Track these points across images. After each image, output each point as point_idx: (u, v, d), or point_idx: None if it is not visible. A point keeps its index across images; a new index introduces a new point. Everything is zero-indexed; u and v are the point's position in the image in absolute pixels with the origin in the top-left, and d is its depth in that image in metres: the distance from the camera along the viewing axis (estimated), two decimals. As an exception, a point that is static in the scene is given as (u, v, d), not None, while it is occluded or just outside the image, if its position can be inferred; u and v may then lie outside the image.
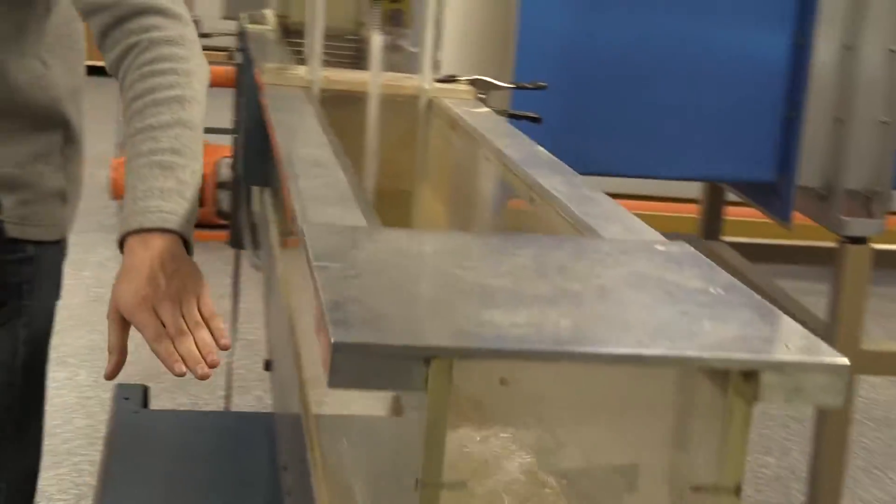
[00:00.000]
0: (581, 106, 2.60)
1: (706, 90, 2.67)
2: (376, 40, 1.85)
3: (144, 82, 1.36)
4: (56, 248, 1.62)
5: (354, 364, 0.76)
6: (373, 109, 1.80)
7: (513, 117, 2.02)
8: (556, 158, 1.47)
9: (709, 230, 3.27)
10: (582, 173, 2.91)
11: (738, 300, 0.94)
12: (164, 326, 1.21)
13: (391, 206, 1.73)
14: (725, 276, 0.99)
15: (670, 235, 3.76)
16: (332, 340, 0.76)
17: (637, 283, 0.96)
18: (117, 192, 5.26)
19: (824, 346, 0.85)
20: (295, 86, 1.87)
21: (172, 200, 1.28)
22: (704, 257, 1.04)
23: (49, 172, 1.56)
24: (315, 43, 1.88)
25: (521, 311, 0.85)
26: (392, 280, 0.90)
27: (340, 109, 1.86)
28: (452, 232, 1.04)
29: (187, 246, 1.29)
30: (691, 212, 3.55)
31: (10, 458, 1.59)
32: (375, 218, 1.18)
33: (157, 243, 1.25)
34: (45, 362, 1.66)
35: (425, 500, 0.78)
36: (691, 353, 0.81)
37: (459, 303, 0.86)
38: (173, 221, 1.27)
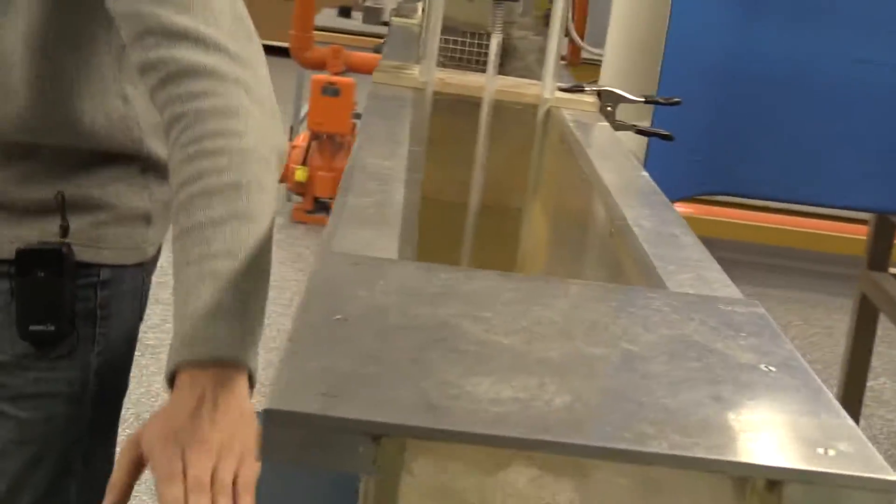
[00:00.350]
0: (734, 125, 2.43)
1: (875, 116, 2.48)
2: (495, 42, 1.73)
3: (191, 165, 1.11)
4: (137, 270, 1.47)
5: (291, 436, 0.66)
6: (482, 117, 1.68)
7: (641, 133, 1.87)
8: (657, 188, 1.33)
9: (875, 260, 3.06)
10: (729, 194, 2.73)
11: (789, 383, 0.80)
12: (184, 473, 0.99)
13: (463, 226, 1.62)
14: (786, 351, 0.85)
15: (837, 257, 3.58)
16: (266, 407, 0.65)
17: (676, 351, 0.82)
18: (288, 179, 5.24)
19: (874, 453, 0.70)
20: (407, 87, 1.77)
21: (230, 320, 1.04)
22: (772, 323, 0.90)
23: (129, 193, 1.41)
24: (431, 42, 1.77)
25: (514, 382, 0.73)
26: (380, 329, 0.78)
27: (446, 115, 1.75)
28: (487, 272, 0.92)
29: (251, 377, 1.06)
30: (863, 234, 3.33)
31: (75, 493, 1.49)
32: (416, 246, 1.07)
33: (210, 379, 1.02)
34: (122, 390, 1.52)
35: None
36: (700, 454, 0.68)
37: (446, 365, 0.74)
38: (231, 350, 1.03)
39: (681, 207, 4.98)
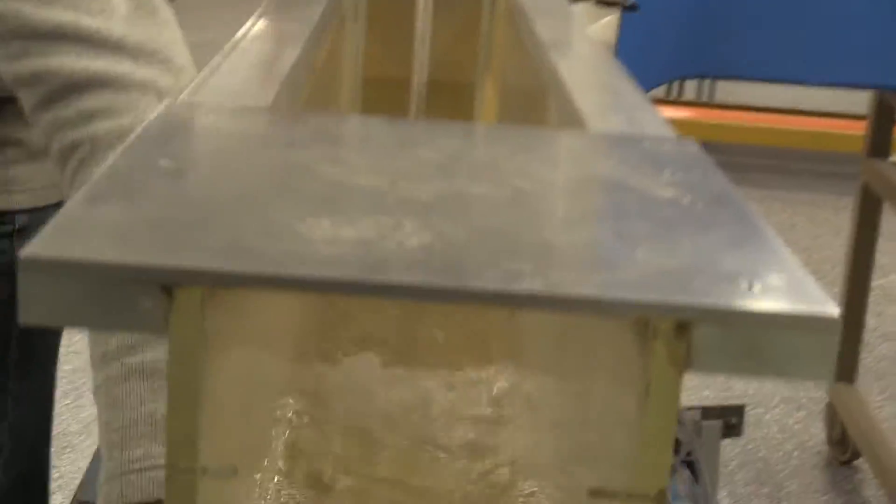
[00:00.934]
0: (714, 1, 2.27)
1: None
2: None
3: None
4: (60, 208, 1.27)
5: (57, 291, 0.51)
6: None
7: (602, 3, 1.72)
8: (598, 44, 1.18)
9: (875, 147, 2.89)
10: (712, 76, 2.56)
11: (716, 217, 0.65)
12: None
13: (409, 107, 1.47)
14: (720, 185, 0.71)
15: (843, 156, 3.43)
16: (22, 255, 0.51)
17: (580, 188, 0.68)
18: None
19: (813, 287, 0.56)
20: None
21: None
22: (708, 160, 0.76)
23: None
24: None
25: (363, 223, 0.58)
26: (212, 174, 0.64)
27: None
28: (372, 117, 0.77)
29: None
30: (861, 129, 3.17)
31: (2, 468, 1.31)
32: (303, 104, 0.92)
33: None
34: (52, 353, 1.30)
35: (174, 492, 0.53)
36: (585, 292, 0.53)
37: (279, 207, 0.60)
38: None
39: (681, 112, 4.83)
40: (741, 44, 2.26)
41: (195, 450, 0.53)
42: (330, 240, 0.55)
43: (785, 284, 0.56)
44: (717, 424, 1.31)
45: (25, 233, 1.23)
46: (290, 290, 0.52)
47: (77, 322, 0.51)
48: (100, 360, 0.83)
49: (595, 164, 0.72)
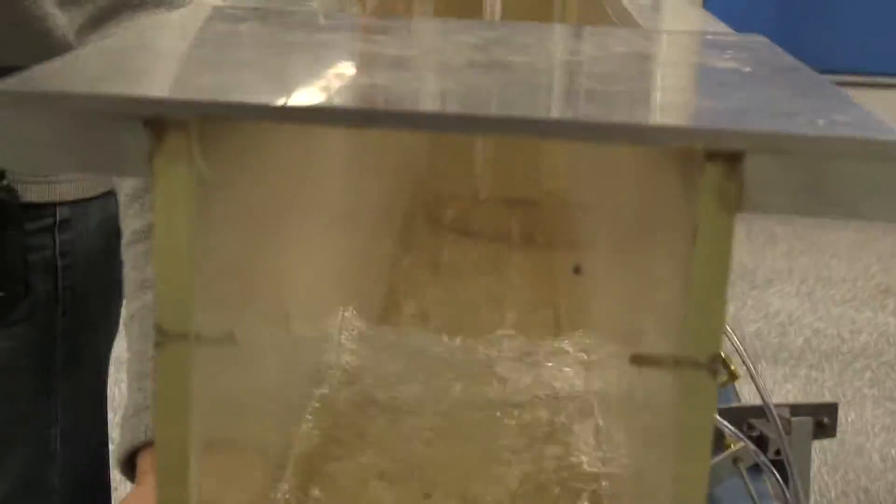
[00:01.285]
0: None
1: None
2: None
3: None
4: (107, 197, 1.14)
5: (31, 128, 0.46)
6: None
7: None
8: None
9: None
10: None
11: (781, 79, 0.59)
12: None
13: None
14: (785, 61, 0.64)
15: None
16: (-5, 88, 0.46)
17: (631, 61, 0.62)
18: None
19: (880, 122, 0.49)
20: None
21: None
22: (776, 47, 0.69)
23: None
24: None
25: (385, 75, 0.53)
26: (230, 45, 0.59)
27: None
28: (411, 18, 0.73)
29: None
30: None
31: (57, 479, 1.19)
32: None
33: None
34: (102, 352, 1.17)
35: (166, 361, 0.48)
36: (621, 118, 0.47)
37: (296, 63, 0.55)
38: None
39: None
40: (836, 36, 2.19)
41: (188, 313, 0.47)
42: (344, 86, 0.50)
43: (851, 120, 0.49)
44: (807, 422, 1.22)
45: (67, 225, 1.14)
46: (291, 120, 0.46)
47: (54, 165, 0.47)
48: (136, 289, 0.77)
49: (650, 47, 0.66)
